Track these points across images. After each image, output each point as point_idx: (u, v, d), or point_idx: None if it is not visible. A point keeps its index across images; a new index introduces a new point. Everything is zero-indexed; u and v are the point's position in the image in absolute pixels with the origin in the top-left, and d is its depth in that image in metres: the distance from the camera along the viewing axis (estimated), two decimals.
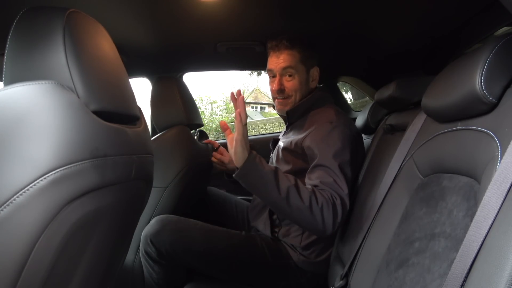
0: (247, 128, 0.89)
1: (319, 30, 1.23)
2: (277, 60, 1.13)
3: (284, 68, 1.12)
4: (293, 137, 1.14)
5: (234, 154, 0.88)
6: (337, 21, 1.18)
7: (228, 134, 0.91)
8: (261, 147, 1.72)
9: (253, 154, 0.89)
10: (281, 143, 1.20)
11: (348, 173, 0.98)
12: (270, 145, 1.35)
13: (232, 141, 0.88)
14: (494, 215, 0.39)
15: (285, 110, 1.18)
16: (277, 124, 9.31)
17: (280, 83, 1.13)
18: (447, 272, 0.44)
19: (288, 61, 1.11)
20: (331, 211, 0.88)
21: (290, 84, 1.13)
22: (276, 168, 0.91)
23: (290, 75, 1.13)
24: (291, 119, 1.21)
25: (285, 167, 1.12)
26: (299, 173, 1.05)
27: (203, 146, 1.50)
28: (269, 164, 0.94)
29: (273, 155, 1.26)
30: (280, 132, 1.45)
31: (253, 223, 1.26)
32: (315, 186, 0.93)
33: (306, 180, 0.99)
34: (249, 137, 2.02)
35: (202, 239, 1.10)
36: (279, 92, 1.15)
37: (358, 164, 1.10)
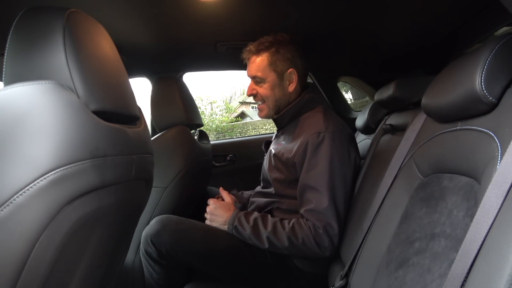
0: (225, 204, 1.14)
1: (320, 30, 1.23)
2: (249, 68, 1.15)
3: (253, 77, 1.14)
4: (284, 143, 1.13)
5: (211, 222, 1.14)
6: (337, 22, 1.18)
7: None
8: (260, 147, 1.72)
9: (231, 218, 1.06)
10: (272, 149, 1.18)
11: (337, 189, 0.99)
12: (263, 146, 1.34)
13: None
14: (494, 215, 0.39)
15: (261, 116, 1.20)
16: None
17: (252, 88, 1.16)
18: (447, 272, 0.44)
19: (254, 69, 1.12)
20: (313, 242, 0.96)
21: (261, 90, 1.14)
22: (254, 222, 1.02)
23: (259, 82, 1.14)
24: (280, 125, 1.20)
25: (278, 175, 1.11)
26: (293, 183, 1.06)
27: (203, 146, 1.50)
28: (250, 217, 1.05)
29: (265, 159, 1.24)
30: None
31: None
32: (302, 215, 1.01)
33: (298, 205, 1.04)
34: (249, 137, 2.02)
35: (202, 240, 1.10)
36: (253, 97, 1.18)
37: (355, 168, 1.07)
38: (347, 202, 1.02)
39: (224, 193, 1.21)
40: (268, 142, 1.32)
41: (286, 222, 1.01)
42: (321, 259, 1.09)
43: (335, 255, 1.03)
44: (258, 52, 1.12)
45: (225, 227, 1.08)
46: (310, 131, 1.04)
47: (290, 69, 1.11)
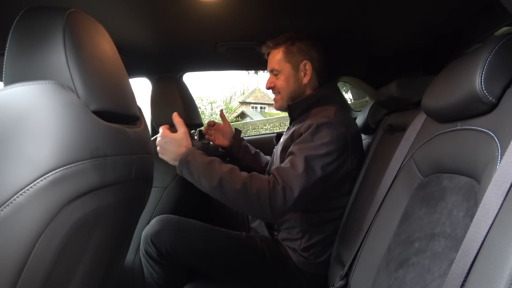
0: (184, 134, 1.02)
1: (319, 30, 1.23)
2: (268, 62, 1.21)
3: (271, 70, 1.20)
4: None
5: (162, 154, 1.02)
6: (337, 21, 1.18)
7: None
8: (261, 147, 1.72)
9: (186, 152, 0.98)
10: (281, 142, 1.21)
11: (315, 167, 0.95)
12: (274, 140, 1.37)
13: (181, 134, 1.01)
14: (494, 215, 0.39)
15: (276, 107, 1.24)
16: (277, 124, 9.32)
17: (270, 81, 1.21)
18: (447, 272, 0.44)
19: (272, 62, 1.19)
20: (267, 196, 0.90)
21: (278, 82, 1.19)
22: (210, 160, 0.96)
23: (276, 74, 1.19)
24: (293, 114, 1.22)
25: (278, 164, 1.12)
26: None
27: (203, 146, 1.50)
28: (208, 156, 0.99)
29: (274, 152, 1.27)
30: (280, 132, 1.45)
31: (252, 224, 1.27)
32: (271, 173, 0.97)
33: None
34: (249, 137, 2.02)
35: (202, 240, 1.10)
36: (271, 90, 1.22)
37: (354, 164, 1.07)
38: (316, 185, 0.96)
39: (178, 122, 1.05)
40: (279, 135, 1.34)
41: (245, 172, 0.96)
42: (321, 257, 1.09)
43: (335, 255, 1.03)
44: (275, 46, 1.18)
45: (175, 163, 0.99)
46: (320, 116, 1.06)
47: (304, 61, 1.16)
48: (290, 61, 1.16)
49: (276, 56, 1.17)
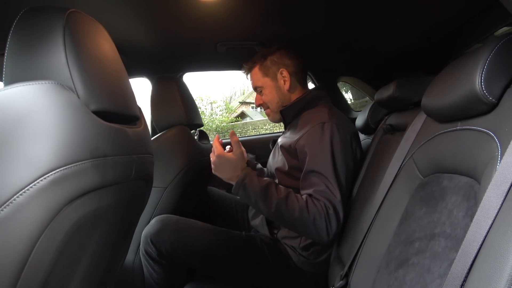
0: (240, 154, 1.02)
1: (319, 30, 1.23)
2: (251, 83, 1.30)
3: (254, 88, 1.29)
4: (290, 136, 1.16)
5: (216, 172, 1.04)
6: (337, 22, 1.18)
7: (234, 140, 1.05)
8: (261, 147, 1.72)
9: (242, 174, 1.00)
10: (279, 142, 1.23)
11: (341, 176, 1.00)
12: (270, 145, 1.37)
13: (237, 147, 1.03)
14: (494, 215, 0.39)
15: (271, 120, 1.32)
16: (277, 124, 9.31)
17: (258, 99, 1.30)
18: (447, 272, 0.44)
19: (253, 81, 1.27)
20: (323, 221, 0.95)
21: (264, 97, 1.26)
22: (266, 184, 0.98)
23: (260, 91, 1.27)
24: (286, 118, 1.25)
25: (280, 165, 1.14)
26: (293, 169, 1.09)
27: (203, 146, 1.50)
28: (263, 179, 1.01)
29: (272, 154, 1.29)
30: (280, 132, 1.46)
31: (252, 223, 1.27)
32: (309, 195, 0.99)
33: (301, 188, 1.03)
34: (249, 137, 2.03)
35: (202, 239, 1.11)
36: (261, 107, 1.30)
37: (356, 163, 1.10)
38: (348, 190, 1.04)
39: (234, 142, 1.03)
40: (275, 140, 1.37)
41: (299, 195, 0.98)
42: (321, 257, 1.10)
43: (335, 255, 1.03)
44: (251, 66, 1.25)
45: (230, 182, 1.02)
46: (315, 122, 1.08)
47: (280, 69, 1.21)
48: (268, 74, 1.22)
49: (255, 75, 1.24)
